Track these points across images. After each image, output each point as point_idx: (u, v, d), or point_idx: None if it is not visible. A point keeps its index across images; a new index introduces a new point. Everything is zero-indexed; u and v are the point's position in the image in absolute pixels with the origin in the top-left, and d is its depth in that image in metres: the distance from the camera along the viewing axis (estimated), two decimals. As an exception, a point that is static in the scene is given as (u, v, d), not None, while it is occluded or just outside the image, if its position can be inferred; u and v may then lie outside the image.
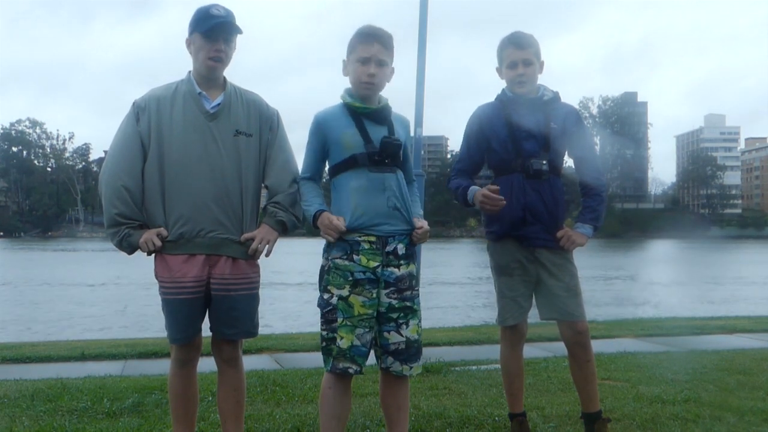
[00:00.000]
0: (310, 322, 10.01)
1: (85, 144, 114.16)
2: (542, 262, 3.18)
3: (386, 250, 2.68)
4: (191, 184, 2.70)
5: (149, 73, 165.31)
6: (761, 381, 4.72)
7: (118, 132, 2.80)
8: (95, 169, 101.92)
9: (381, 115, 2.73)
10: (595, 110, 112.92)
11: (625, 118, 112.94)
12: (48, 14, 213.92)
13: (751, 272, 28.56)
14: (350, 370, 2.63)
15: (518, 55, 3.18)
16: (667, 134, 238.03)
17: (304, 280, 20.36)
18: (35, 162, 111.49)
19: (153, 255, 2.76)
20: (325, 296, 2.68)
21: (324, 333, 2.68)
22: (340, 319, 2.62)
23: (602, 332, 7.42)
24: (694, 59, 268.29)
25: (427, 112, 4.12)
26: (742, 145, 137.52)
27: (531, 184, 3.14)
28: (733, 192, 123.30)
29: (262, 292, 2.89)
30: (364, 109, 2.71)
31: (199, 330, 2.79)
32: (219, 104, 2.78)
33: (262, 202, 2.90)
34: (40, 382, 4.66)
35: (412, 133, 3.99)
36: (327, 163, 2.81)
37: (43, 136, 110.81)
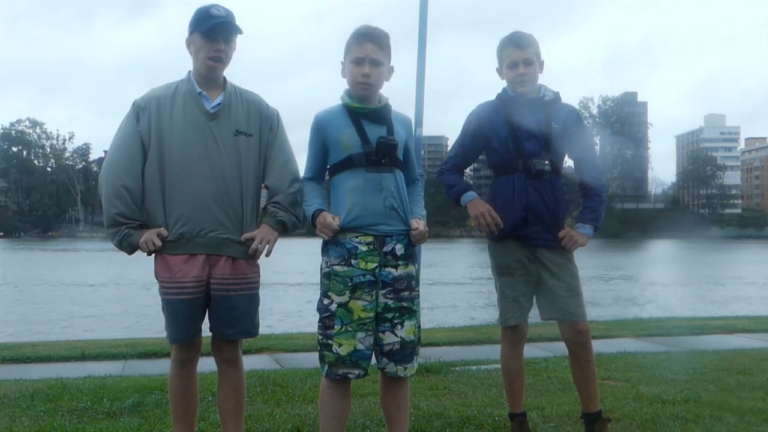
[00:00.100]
0: (311, 322, 9.97)
1: (85, 144, 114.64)
2: (543, 262, 3.18)
3: (384, 250, 2.67)
4: (191, 184, 2.70)
5: (149, 73, 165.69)
6: (761, 381, 4.72)
7: (118, 132, 2.80)
8: (95, 169, 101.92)
9: (379, 115, 2.73)
10: (595, 110, 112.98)
11: (625, 118, 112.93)
12: (48, 14, 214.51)
13: (751, 272, 28.54)
14: (350, 376, 2.63)
15: (518, 54, 3.18)
16: (667, 134, 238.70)
17: (304, 280, 20.36)
18: (35, 162, 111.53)
19: (153, 255, 2.76)
20: (325, 301, 2.67)
21: (320, 338, 2.68)
22: (337, 327, 2.62)
23: (602, 332, 7.42)
24: (694, 59, 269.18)
25: (427, 112, 4.11)
26: (742, 145, 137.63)
27: (533, 185, 3.14)
28: (733, 192, 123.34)
29: (262, 292, 2.89)
30: (362, 110, 2.71)
31: (199, 330, 2.79)
32: (219, 104, 2.78)
33: (262, 202, 2.90)
34: (40, 382, 4.65)
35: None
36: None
37: (43, 136, 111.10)
